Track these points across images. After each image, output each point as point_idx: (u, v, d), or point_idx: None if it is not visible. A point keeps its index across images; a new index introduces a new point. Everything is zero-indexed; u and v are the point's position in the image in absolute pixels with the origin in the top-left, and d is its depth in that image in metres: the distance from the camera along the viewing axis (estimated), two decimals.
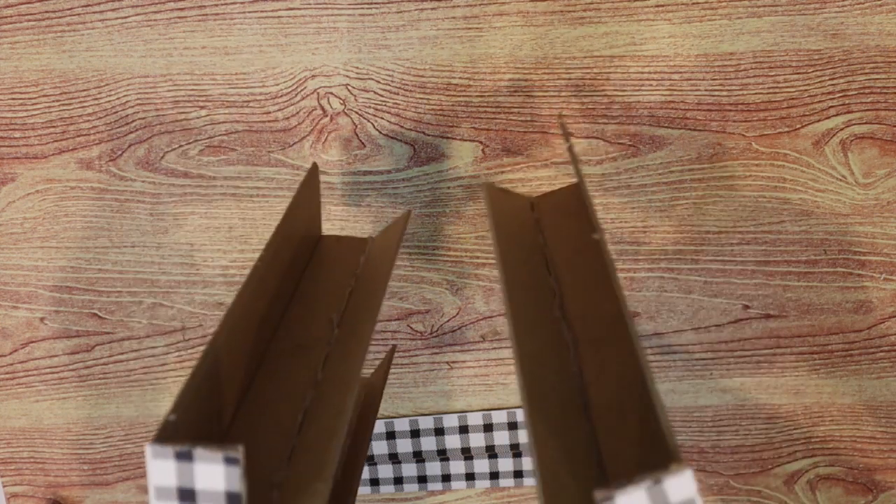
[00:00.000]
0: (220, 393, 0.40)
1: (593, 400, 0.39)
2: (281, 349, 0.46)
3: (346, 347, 0.45)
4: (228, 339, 0.40)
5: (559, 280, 0.43)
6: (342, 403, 0.40)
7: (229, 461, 0.33)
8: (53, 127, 0.58)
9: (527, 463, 0.66)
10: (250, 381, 0.43)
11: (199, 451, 0.32)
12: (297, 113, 0.57)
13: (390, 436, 0.65)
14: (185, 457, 0.33)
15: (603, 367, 0.40)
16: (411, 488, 0.67)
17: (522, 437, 0.65)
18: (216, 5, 0.55)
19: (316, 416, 0.42)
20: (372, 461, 0.65)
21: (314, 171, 0.51)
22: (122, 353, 0.63)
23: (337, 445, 0.38)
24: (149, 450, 0.33)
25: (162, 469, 0.33)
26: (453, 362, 0.64)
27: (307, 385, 0.43)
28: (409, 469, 0.66)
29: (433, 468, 0.66)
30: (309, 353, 0.45)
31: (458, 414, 0.64)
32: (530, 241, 0.46)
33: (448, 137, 0.58)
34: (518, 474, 0.66)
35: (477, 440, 0.65)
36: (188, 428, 0.35)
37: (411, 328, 0.63)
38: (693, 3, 0.55)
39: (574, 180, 0.51)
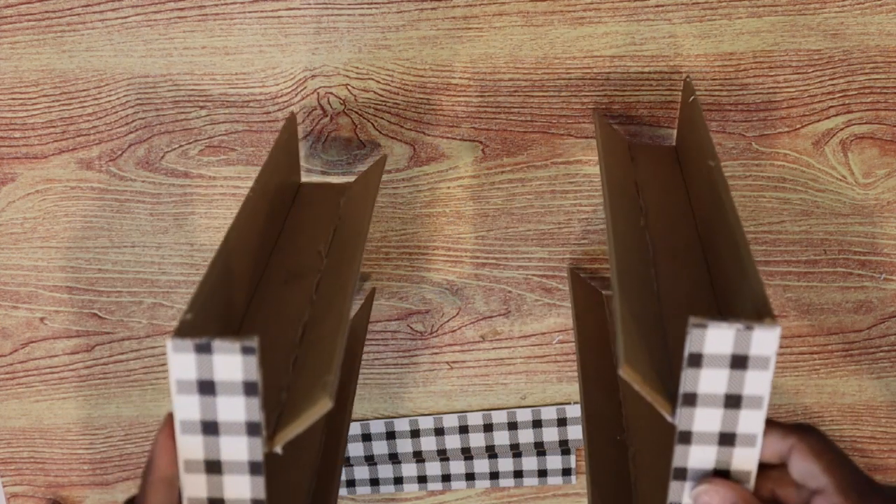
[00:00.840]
0: (230, 299, 0.41)
1: (665, 292, 0.43)
2: (273, 279, 0.47)
3: (338, 272, 0.47)
4: (233, 253, 0.41)
5: (646, 202, 0.50)
6: (341, 310, 0.41)
7: (246, 350, 0.34)
8: (53, 127, 0.58)
9: (527, 463, 0.66)
10: (245, 307, 0.45)
11: (217, 343, 0.34)
12: (297, 113, 0.57)
13: (390, 436, 0.65)
14: (204, 349, 0.34)
15: (676, 273, 0.44)
16: (411, 488, 0.67)
17: (522, 436, 0.65)
18: (216, 5, 0.55)
19: (315, 327, 0.43)
20: (372, 461, 0.65)
21: (292, 120, 0.54)
22: (122, 353, 0.63)
23: (341, 343, 0.38)
24: (169, 345, 0.34)
25: (182, 363, 0.34)
26: (453, 362, 0.64)
27: (303, 305, 0.45)
28: (409, 469, 0.66)
29: (433, 468, 0.66)
30: (301, 280, 0.47)
31: (458, 414, 0.64)
32: (625, 168, 0.52)
33: (448, 137, 0.58)
34: (518, 474, 0.66)
35: (477, 440, 0.65)
36: (204, 326, 0.36)
37: (411, 328, 0.63)
38: (693, 3, 0.55)
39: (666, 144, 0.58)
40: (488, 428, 0.64)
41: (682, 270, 0.45)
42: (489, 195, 0.59)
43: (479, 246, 0.60)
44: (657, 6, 0.55)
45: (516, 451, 0.65)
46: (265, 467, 0.35)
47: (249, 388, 0.34)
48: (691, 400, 0.34)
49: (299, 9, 0.55)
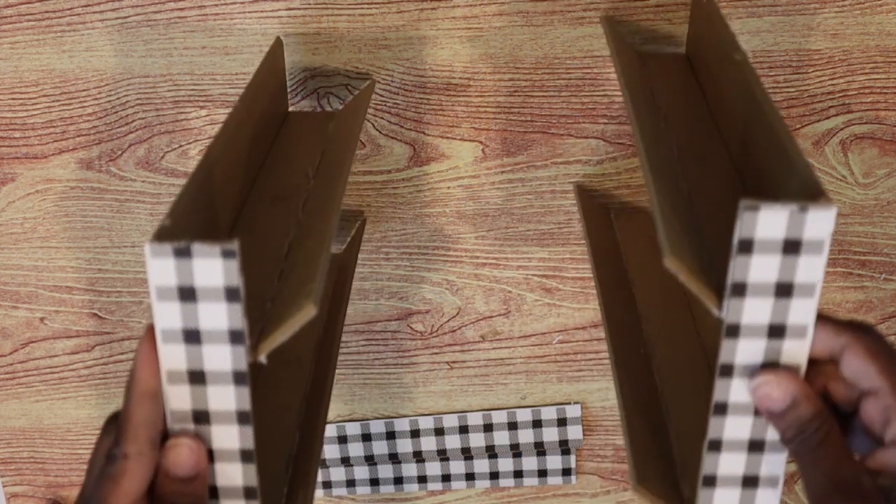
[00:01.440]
0: (213, 214, 0.40)
1: (695, 192, 0.42)
2: (259, 200, 0.46)
3: (325, 191, 0.45)
4: (215, 167, 0.40)
5: (663, 107, 0.48)
6: (326, 225, 0.40)
7: (227, 254, 0.32)
8: (53, 127, 0.58)
9: (527, 463, 0.66)
10: (230, 226, 0.43)
11: (196, 247, 0.32)
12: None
13: (390, 436, 0.65)
14: (183, 253, 0.32)
15: (704, 174, 0.43)
16: (411, 488, 0.67)
17: (522, 436, 0.65)
18: (216, 5, 0.55)
19: (300, 244, 0.42)
20: (372, 461, 0.65)
21: (278, 44, 0.53)
22: (122, 353, 0.63)
23: (326, 254, 0.37)
24: (147, 249, 0.32)
25: (161, 268, 0.33)
26: (453, 362, 0.64)
27: (289, 223, 0.44)
28: (409, 469, 0.66)
29: (433, 468, 0.66)
30: (287, 200, 0.46)
31: (458, 414, 0.64)
32: (638, 71, 0.51)
33: (448, 137, 0.58)
34: (518, 474, 0.66)
35: (477, 440, 0.65)
36: (184, 233, 0.34)
37: (411, 328, 0.63)
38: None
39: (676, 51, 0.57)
40: (488, 428, 0.64)
41: (710, 172, 0.43)
42: (489, 195, 0.59)
43: (479, 246, 0.60)
44: (657, 6, 0.55)
45: (516, 451, 0.65)
46: (251, 380, 0.34)
47: (231, 294, 0.33)
48: (740, 290, 0.33)
49: (299, 9, 0.55)
